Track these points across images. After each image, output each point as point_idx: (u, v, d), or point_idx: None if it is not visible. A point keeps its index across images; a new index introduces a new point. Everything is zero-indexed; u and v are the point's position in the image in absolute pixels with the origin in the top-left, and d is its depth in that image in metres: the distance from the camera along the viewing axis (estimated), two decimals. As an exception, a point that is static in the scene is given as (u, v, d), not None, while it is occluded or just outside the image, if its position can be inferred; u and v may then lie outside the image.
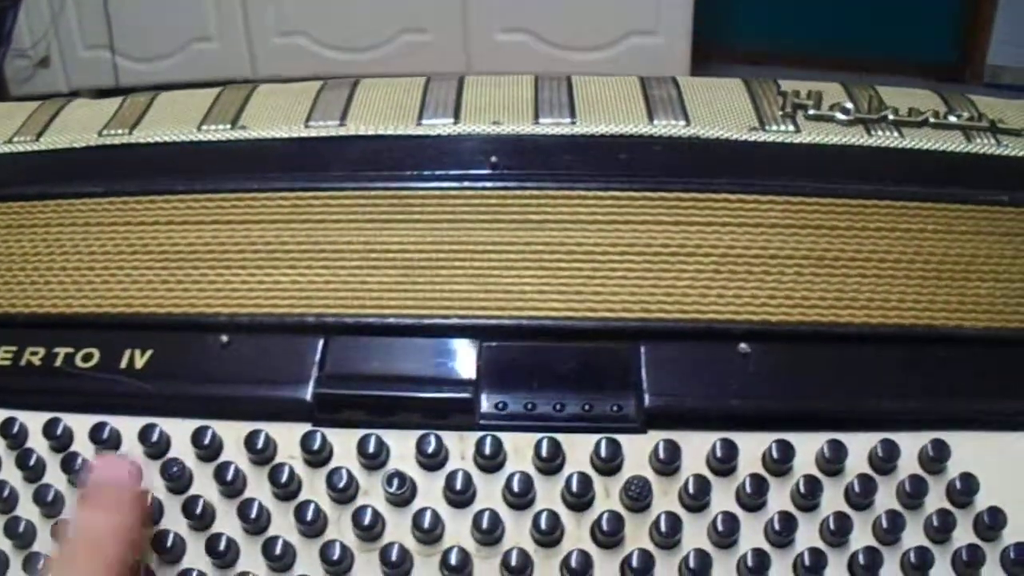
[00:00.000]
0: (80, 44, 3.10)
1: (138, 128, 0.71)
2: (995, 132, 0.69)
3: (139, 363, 0.59)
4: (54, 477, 0.57)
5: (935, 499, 0.54)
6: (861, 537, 0.54)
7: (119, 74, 3.02)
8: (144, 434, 0.56)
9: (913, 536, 0.54)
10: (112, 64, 3.00)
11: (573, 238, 0.61)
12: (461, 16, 2.99)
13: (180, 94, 0.78)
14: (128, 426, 0.57)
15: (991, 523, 0.53)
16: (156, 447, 0.56)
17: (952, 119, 0.70)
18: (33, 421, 0.58)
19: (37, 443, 0.57)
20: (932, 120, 0.69)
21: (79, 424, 0.57)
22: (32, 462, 0.57)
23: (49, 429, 0.57)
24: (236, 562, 0.54)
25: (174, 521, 0.55)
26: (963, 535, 0.54)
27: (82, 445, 0.57)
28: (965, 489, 0.54)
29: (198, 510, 0.54)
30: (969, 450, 0.55)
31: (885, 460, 0.55)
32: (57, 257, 0.64)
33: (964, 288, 0.60)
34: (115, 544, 0.49)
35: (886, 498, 0.54)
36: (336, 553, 0.52)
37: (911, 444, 0.55)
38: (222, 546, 0.53)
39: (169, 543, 0.54)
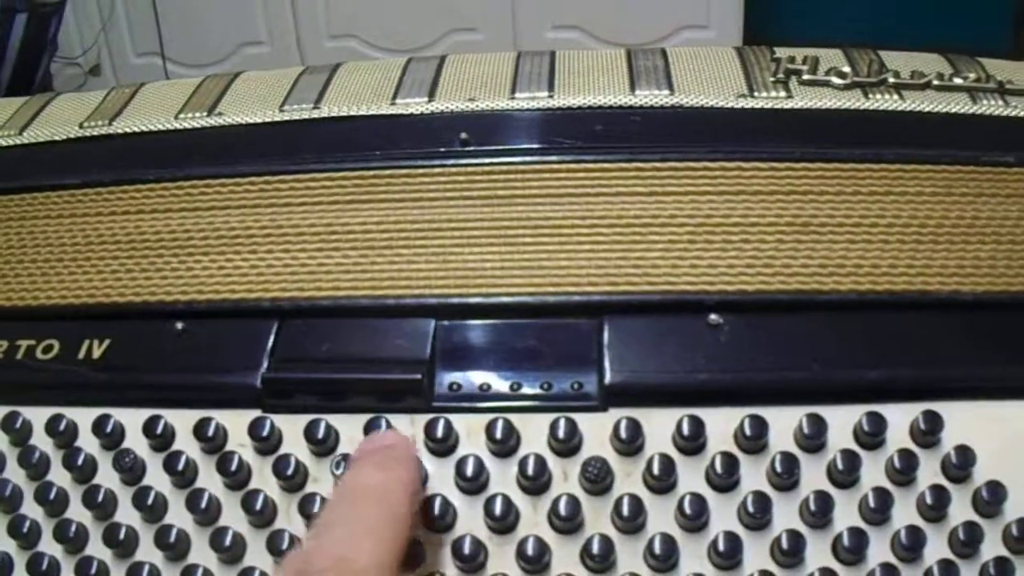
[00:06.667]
0: (131, 51, 3.15)
1: (118, 119, 0.71)
2: (1003, 93, 0.65)
3: (96, 353, 0.58)
4: (12, 472, 0.55)
5: (928, 474, 0.51)
6: (845, 517, 0.50)
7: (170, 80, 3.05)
8: (98, 425, 0.55)
9: (904, 515, 0.50)
10: (163, 70, 3.04)
11: (541, 212, 0.59)
12: (511, 14, 2.99)
13: (164, 84, 0.77)
14: (84, 417, 0.56)
15: (990, 498, 0.50)
16: (110, 438, 0.55)
17: (957, 81, 0.66)
18: (-8, 415, 0.57)
19: (-5, 437, 0.56)
20: (936, 82, 0.66)
21: (36, 417, 0.56)
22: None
23: (7, 423, 0.56)
24: (187, 554, 0.52)
25: (126, 514, 0.54)
26: (960, 512, 0.50)
27: (39, 438, 0.56)
28: (961, 463, 0.50)
29: (149, 501, 0.53)
30: (965, 421, 0.52)
31: (871, 434, 0.51)
32: (29, 249, 0.63)
33: (963, 252, 0.57)
34: (403, 496, 0.46)
35: (873, 475, 0.51)
36: (285, 543, 0.51)
37: (900, 416, 0.52)
38: (172, 538, 0.52)
39: (121, 536, 0.52)
